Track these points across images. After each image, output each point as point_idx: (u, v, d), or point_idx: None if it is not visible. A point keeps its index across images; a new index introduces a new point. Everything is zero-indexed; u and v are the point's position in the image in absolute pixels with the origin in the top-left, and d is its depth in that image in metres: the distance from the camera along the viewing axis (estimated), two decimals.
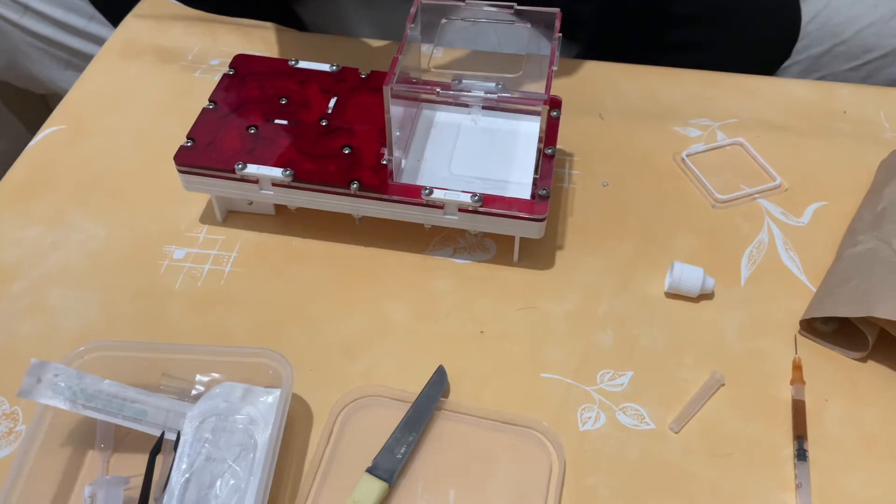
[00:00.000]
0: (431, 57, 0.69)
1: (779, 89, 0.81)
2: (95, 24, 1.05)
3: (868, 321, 0.58)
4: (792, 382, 0.58)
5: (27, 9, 1.04)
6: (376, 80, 0.70)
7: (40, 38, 1.06)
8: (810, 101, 0.80)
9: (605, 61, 0.83)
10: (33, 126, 1.25)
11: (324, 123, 0.66)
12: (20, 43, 1.08)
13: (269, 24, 0.88)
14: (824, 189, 0.71)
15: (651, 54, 0.86)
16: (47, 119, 0.78)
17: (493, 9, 0.64)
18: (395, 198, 0.62)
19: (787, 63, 0.97)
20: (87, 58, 1.07)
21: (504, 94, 0.64)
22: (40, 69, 1.11)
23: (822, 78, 0.98)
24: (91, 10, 1.03)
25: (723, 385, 0.58)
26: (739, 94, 0.80)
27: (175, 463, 0.51)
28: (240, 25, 0.88)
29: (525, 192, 0.63)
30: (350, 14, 1.01)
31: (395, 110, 0.60)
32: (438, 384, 0.57)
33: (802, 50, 0.97)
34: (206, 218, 0.69)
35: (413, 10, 0.63)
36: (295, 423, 0.56)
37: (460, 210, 0.62)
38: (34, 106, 1.27)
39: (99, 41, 1.05)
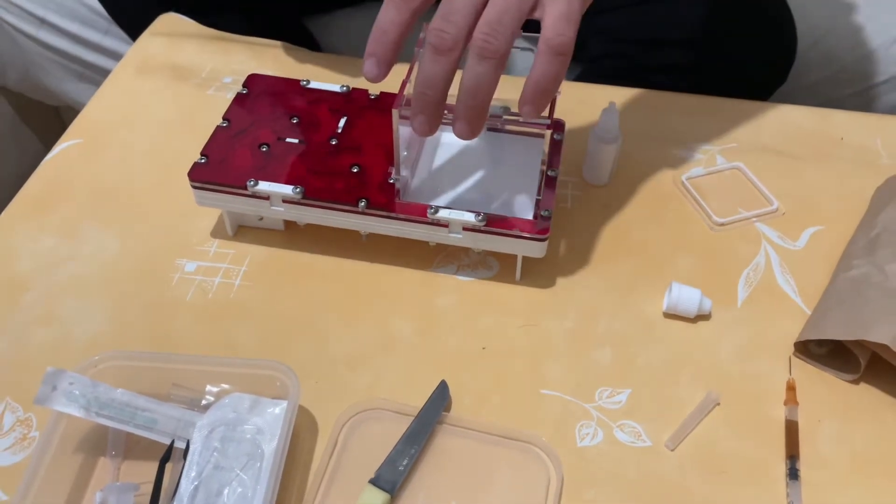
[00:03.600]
0: None
1: (778, 115, 0.83)
2: (111, 38, 1.07)
3: (860, 344, 0.60)
4: (786, 403, 0.60)
5: (44, 22, 1.06)
6: (385, 101, 0.72)
7: (56, 51, 1.09)
8: (809, 127, 0.82)
9: (606, 84, 0.85)
10: (46, 137, 1.28)
11: (333, 143, 0.68)
12: (36, 56, 1.10)
13: (280, 43, 0.91)
14: (820, 214, 0.73)
15: (649, 76, 0.88)
16: (64, 133, 0.79)
17: None
18: (402, 216, 0.63)
19: (787, 88, 0.99)
20: (101, 71, 1.09)
21: (508, 118, 0.65)
22: (55, 81, 1.13)
23: (822, 103, 1.00)
24: (106, 24, 1.06)
25: (718, 404, 0.60)
26: (739, 119, 0.82)
27: (184, 471, 0.52)
28: (252, 44, 0.90)
29: (528, 213, 0.65)
30: (360, 31, 1.03)
31: (403, 131, 0.61)
32: (440, 398, 0.59)
33: (803, 76, 0.99)
34: (217, 232, 0.71)
35: (422, 34, 0.65)
36: (301, 434, 0.57)
37: (465, 229, 0.63)
38: (47, 117, 1.29)
39: (114, 55, 1.07)
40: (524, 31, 0.66)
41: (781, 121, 0.82)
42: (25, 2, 1.03)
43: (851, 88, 1.00)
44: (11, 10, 1.04)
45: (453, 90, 0.73)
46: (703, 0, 0.89)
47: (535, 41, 0.66)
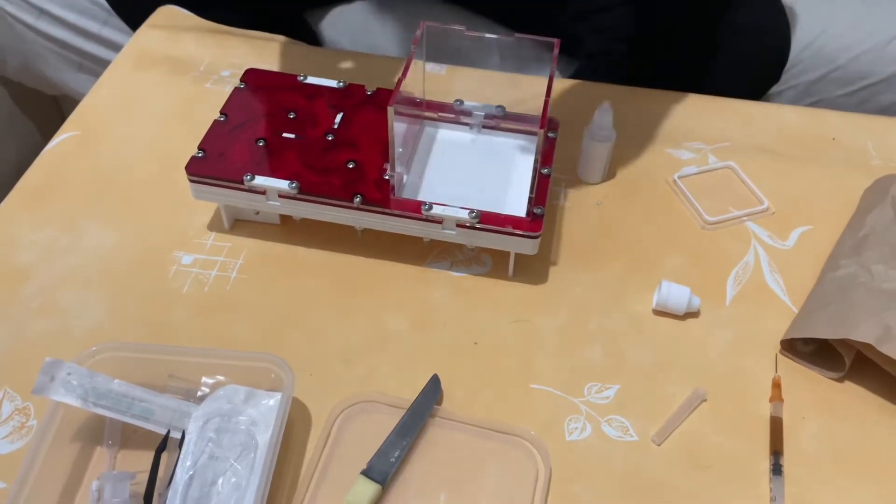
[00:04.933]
0: (435, 76, 0.72)
1: (771, 115, 0.84)
2: (109, 28, 1.07)
3: (845, 343, 0.61)
4: (771, 400, 0.61)
5: (43, 12, 1.07)
6: (381, 98, 0.73)
7: (54, 41, 1.09)
8: (801, 128, 0.82)
9: (601, 82, 0.86)
10: (44, 126, 1.28)
11: (330, 138, 0.69)
12: (34, 45, 1.11)
13: (278, 37, 0.91)
14: (810, 214, 0.74)
15: (645, 74, 0.89)
16: (62, 125, 0.80)
17: (495, 36, 0.67)
18: (396, 212, 0.64)
19: (782, 88, 1.00)
20: (99, 61, 1.10)
21: (502, 119, 0.66)
22: (53, 71, 1.14)
23: (816, 103, 1.01)
24: (105, 15, 1.06)
25: (705, 400, 0.61)
26: (732, 119, 0.83)
27: (180, 460, 0.53)
28: (250, 38, 0.91)
29: (521, 210, 0.65)
30: (360, 25, 1.04)
31: (399, 127, 0.62)
32: (432, 392, 0.60)
33: (798, 75, 1.00)
34: (214, 225, 0.71)
35: (418, 32, 0.66)
36: (294, 426, 0.58)
37: (458, 225, 0.64)
38: (45, 107, 1.30)
39: (112, 46, 1.08)
40: (516, 32, 0.67)
41: (774, 120, 0.83)
42: None
43: (845, 89, 1.01)
44: None
45: (454, 90, 0.74)
46: (699, 3, 0.90)
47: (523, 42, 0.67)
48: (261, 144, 0.68)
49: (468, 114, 0.72)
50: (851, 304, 0.61)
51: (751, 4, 0.92)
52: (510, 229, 0.64)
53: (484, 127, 0.73)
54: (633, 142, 0.79)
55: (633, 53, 0.92)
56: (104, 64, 1.06)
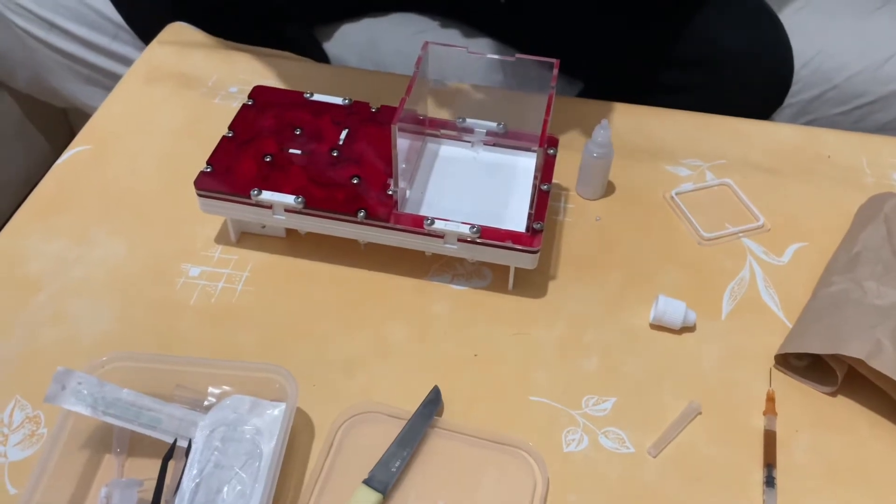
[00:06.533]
0: (438, 93, 0.73)
1: (767, 133, 0.85)
2: (119, 42, 1.09)
3: (838, 358, 0.62)
4: (765, 413, 0.62)
5: (53, 26, 1.09)
6: (385, 115, 0.74)
7: (64, 54, 1.11)
8: (797, 146, 0.84)
9: (602, 100, 0.88)
10: (53, 138, 1.30)
11: (335, 154, 0.71)
12: (44, 58, 1.12)
13: (286, 54, 0.93)
14: (805, 230, 0.75)
15: (648, 95, 0.90)
16: (74, 139, 0.82)
17: (496, 56, 0.69)
18: (399, 227, 0.66)
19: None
20: (108, 74, 1.11)
21: (503, 136, 0.67)
22: (62, 84, 1.16)
23: (813, 121, 1.02)
24: (115, 29, 1.08)
25: (700, 413, 0.62)
26: (729, 136, 0.84)
27: (186, 468, 0.54)
28: (257, 55, 0.92)
29: (521, 225, 0.67)
30: (368, 41, 1.06)
31: (402, 144, 0.64)
32: (433, 403, 0.61)
33: (795, 94, 1.01)
34: (221, 238, 0.73)
35: (422, 52, 0.68)
36: (298, 435, 0.60)
37: (459, 240, 0.66)
38: (55, 119, 1.32)
39: (121, 59, 1.10)
40: (518, 53, 0.69)
41: (770, 138, 0.85)
42: (35, 6, 1.06)
43: (841, 107, 1.02)
44: (21, 13, 1.07)
45: (457, 107, 0.76)
46: (704, 27, 0.92)
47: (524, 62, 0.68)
48: (267, 160, 0.70)
49: (470, 131, 0.74)
50: (844, 320, 0.63)
51: (754, 30, 0.93)
52: (510, 244, 0.65)
53: (485, 144, 0.74)
54: (631, 158, 0.81)
55: (635, 77, 0.94)
56: (113, 77, 1.08)
